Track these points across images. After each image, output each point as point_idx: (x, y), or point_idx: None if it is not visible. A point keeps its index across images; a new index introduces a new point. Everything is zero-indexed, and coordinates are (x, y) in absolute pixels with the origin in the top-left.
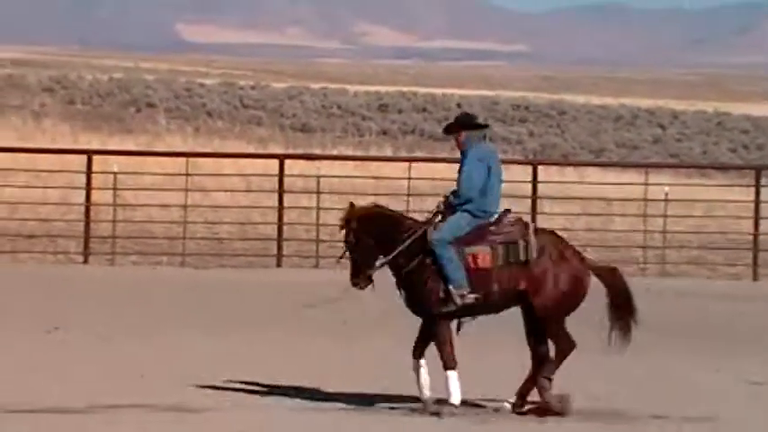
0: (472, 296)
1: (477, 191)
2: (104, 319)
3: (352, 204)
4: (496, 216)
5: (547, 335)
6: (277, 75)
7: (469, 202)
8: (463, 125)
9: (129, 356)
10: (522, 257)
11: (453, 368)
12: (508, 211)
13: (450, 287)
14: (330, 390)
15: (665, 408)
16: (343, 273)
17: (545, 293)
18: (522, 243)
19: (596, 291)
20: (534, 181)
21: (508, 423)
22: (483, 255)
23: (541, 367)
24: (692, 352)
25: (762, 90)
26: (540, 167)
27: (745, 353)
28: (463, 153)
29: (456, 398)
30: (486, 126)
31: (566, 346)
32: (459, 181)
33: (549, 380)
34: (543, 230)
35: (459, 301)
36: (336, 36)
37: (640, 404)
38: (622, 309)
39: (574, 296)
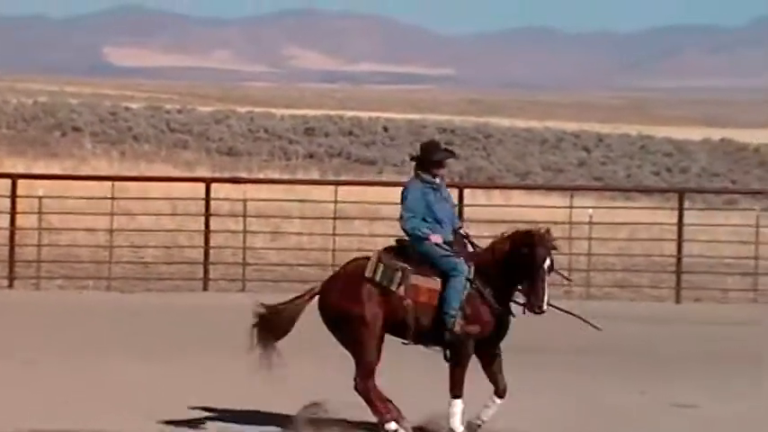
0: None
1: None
2: (29, 343)
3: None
4: None
5: None
6: (203, 98)
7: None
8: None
9: (53, 381)
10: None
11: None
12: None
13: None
14: (254, 412)
15: (591, 430)
16: (269, 297)
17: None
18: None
19: (532, 317)
20: (461, 204)
21: None
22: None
23: None
24: (617, 374)
25: (684, 114)
26: (466, 190)
27: (670, 375)
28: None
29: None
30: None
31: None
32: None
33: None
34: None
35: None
36: (263, 59)
37: (565, 426)
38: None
39: None
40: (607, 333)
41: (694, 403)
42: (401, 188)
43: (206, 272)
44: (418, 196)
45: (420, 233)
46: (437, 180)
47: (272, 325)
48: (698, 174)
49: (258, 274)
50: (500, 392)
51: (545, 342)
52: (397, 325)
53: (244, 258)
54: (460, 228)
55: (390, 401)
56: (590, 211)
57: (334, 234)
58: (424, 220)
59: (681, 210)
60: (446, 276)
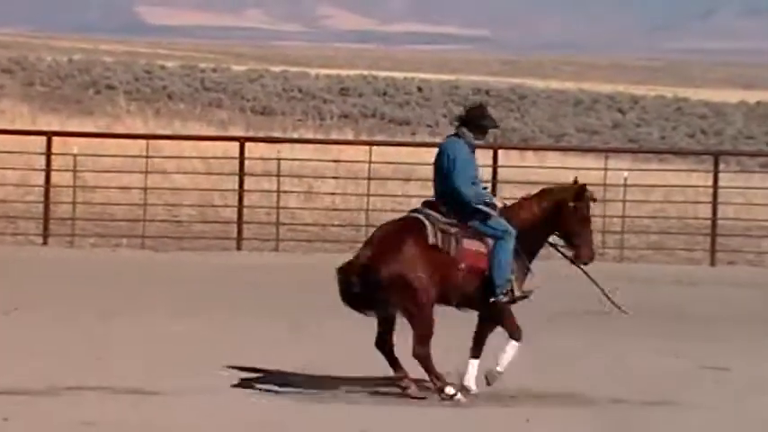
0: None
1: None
2: (64, 300)
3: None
4: None
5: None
6: (238, 57)
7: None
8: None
9: (88, 338)
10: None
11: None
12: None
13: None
14: (289, 373)
15: (625, 393)
16: (302, 257)
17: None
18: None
19: (564, 280)
20: (495, 165)
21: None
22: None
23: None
24: (652, 337)
25: (721, 76)
26: (500, 152)
27: (704, 338)
28: None
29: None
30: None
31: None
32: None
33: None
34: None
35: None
36: (297, 19)
37: (600, 389)
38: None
39: None
40: (641, 295)
41: (727, 366)
42: (439, 147)
43: (239, 231)
44: (468, 158)
45: (486, 199)
46: (474, 141)
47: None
48: (733, 136)
49: (291, 234)
50: (478, 354)
51: (578, 305)
52: (448, 290)
53: (277, 218)
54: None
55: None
56: (625, 173)
57: (367, 194)
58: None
59: (716, 172)
60: (496, 239)
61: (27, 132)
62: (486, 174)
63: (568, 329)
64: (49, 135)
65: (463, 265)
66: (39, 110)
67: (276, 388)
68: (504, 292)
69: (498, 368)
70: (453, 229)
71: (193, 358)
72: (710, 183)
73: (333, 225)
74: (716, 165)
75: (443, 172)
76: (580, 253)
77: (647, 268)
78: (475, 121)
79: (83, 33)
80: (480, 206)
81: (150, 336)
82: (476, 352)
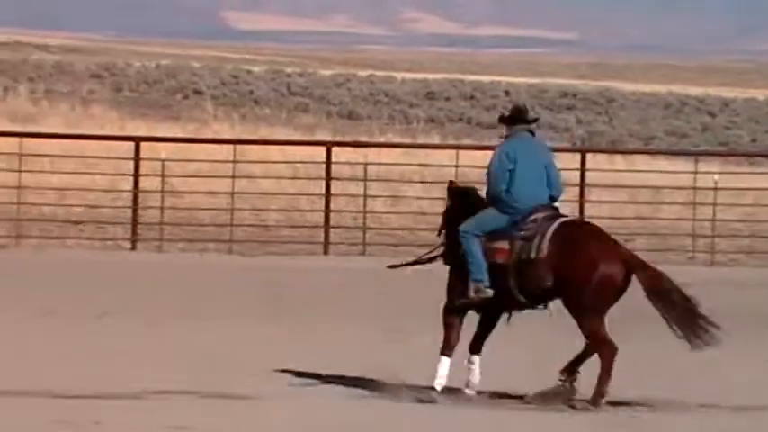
0: (490, 291)
1: (499, 185)
2: (152, 305)
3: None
4: (530, 212)
5: (582, 332)
6: (324, 62)
7: (496, 196)
8: (501, 119)
9: (177, 342)
10: (533, 254)
11: (448, 355)
12: (550, 206)
13: (471, 281)
14: (377, 377)
15: (716, 398)
16: (389, 261)
17: (565, 289)
18: (537, 239)
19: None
20: (582, 168)
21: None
22: (501, 249)
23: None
24: (743, 342)
25: None
26: (588, 155)
27: None
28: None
29: (440, 383)
30: (521, 121)
31: (603, 347)
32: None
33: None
34: (572, 223)
35: (473, 294)
36: (383, 23)
37: (690, 394)
38: (668, 307)
39: (596, 291)
40: (733, 300)
41: None
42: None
43: (326, 235)
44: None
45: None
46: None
47: None
48: None
49: (378, 239)
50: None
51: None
52: None
53: (364, 222)
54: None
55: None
56: (715, 176)
57: None
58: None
59: None
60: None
61: (116, 138)
62: (573, 177)
63: (660, 334)
64: (138, 140)
65: None
66: (127, 115)
67: (364, 392)
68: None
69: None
70: None
71: (281, 362)
72: None
73: (420, 229)
74: None
75: None
76: None
77: (738, 272)
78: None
79: (170, 39)
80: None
81: (238, 340)
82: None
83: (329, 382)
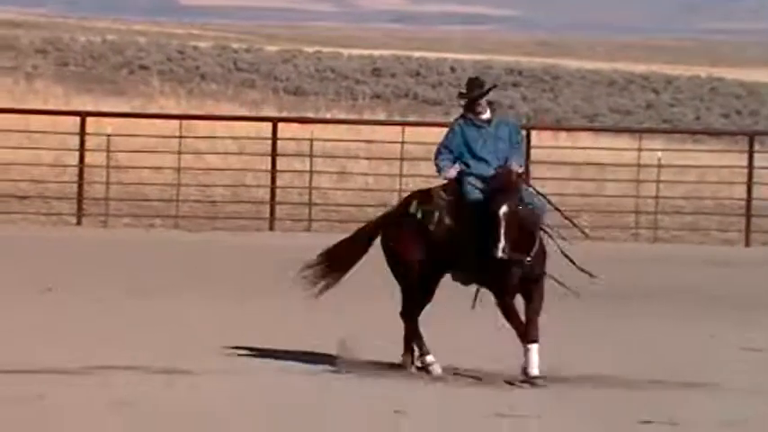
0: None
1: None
2: (98, 280)
3: None
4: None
5: None
6: (270, 38)
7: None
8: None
9: (121, 318)
10: None
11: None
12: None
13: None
14: (320, 353)
15: (661, 374)
16: (335, 237)
17: None
18: None
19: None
20: (528, 146)
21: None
22: None
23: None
24: (686, 318)
25: (755, 55)
26: (533, 132)
27: (740, 319)
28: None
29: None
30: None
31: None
32: None
33: None
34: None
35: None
36: None
37: (637, 370)
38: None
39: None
40: (676, 276)
41: (763, 347)
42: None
43: (272, 211)
44: (456, 132)
45: (438, 168)
46: (482, 117)
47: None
48: None
49: (324, 215)
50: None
51: (612, 287)
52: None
53: (310, 198)
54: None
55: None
56: (659, 153)
57: (400, 175)
58: (462, 158)
59: (750, 153)
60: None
61: (61, 113)
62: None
63: (601, 311)
64: (83, 115)
65: None
66: (73, 90)
67: (307, 368)
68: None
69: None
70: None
71: (226, 338)
72: (745, 163)
73: (366, 205)
74: (751, 145)
75: None
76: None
77: (681, 249)
78: (467, 93)
79: (116, 14)
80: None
81: (183, 316)
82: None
83: (273, 358)
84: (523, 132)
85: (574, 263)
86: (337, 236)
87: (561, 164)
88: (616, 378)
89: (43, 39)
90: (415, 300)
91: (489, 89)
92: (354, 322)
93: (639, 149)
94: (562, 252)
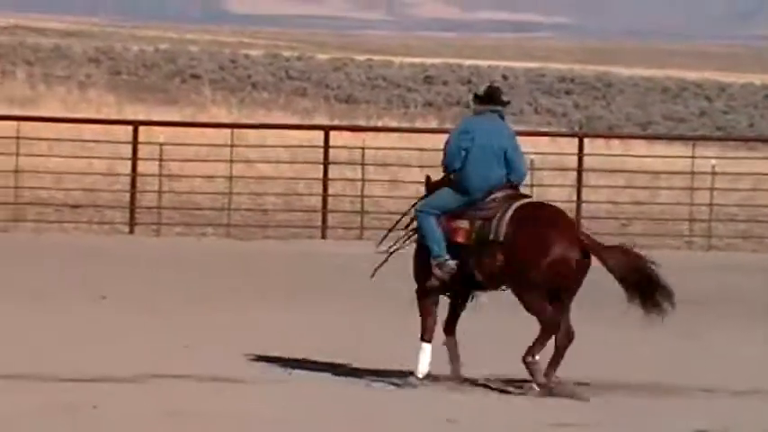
0: (451, 263)
1: (453, 163)
2: (150, 289)
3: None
4: (486, 192)
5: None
6: (321, 46)
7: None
8: (475, 97)
9: (174, 327)
10: (491, 236)
11: (428, 341)
12: (509, 186)
13: (431, 258)
14: (372, 367)
15: (714, 382)
16: (386, 245)
17: (512, 271)
18: (495, 221)
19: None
20: (580, 153)
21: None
22: (461, 229)
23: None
24: (740, 326)
25: None
26: (585, 140)
27: None
28: None
29: (421, 370)
30: (493, 101)
31: (549, 326)
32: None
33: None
34: (531, 205)
35: (437, 272)
36: (380, 7)
37: (688, 378)
38: (635, 289)
39: (548, 274)
40: (730, 284)
41: None
42: (517, 137)
43: (324, 220)
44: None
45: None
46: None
47: None
48: None
49: (376, 223)
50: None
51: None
52: None
53: (362, 207)
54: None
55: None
56: (712, 161)
57: None
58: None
59: None
60: None
61: (114, 122)
62: (571, 162)
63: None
64: (136, 124)
65: None
66: (125, 99)
67: (359, 379)
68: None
69: (418, 372)
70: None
71: (279, 347)
72: None
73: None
74: None
75: None
76: None
77: (735, 257)
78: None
79: (168, 22)
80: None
81: (235, 324)
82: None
83: (323, 367)
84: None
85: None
86: (389, 244)
87: (614, 171)
88: (670, 386)
89: (96, 48)
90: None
91: (507, 102)
92: (409, 333)
93: (693, 157)
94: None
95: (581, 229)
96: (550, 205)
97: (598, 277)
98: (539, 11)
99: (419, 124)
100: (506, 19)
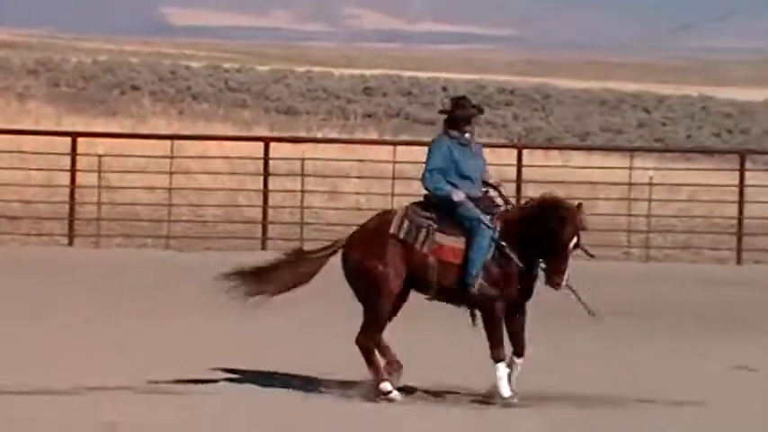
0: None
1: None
2: (89, 301)
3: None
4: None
5: None
6: (262, 58)
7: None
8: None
9: (113, 339)
10: None
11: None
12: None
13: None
14: (314, 375)
15: (652, 392)
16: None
17: None
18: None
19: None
20: (519, 164)
21: (491, 411)
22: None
23: None
24: (677, 337)
25: (746, 74)
26: (524, 151)
27: (731, 338)
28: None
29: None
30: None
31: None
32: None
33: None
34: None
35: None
36: (322, 19)
37: (626, 389)
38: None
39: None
40: (667, 295)
41: (755, 366)
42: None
43: (264, 231)
44: (445, 152)
45: (441, 191)
46: (466, 136)
47: (289, 275)
48: (759, 135)
49: (316, 234)
50: (519, 351)
51: (603, 305)
52: (419, 282)
53: (302, 218)
54: (498, 185)
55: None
56: (650, 172)
57: (392, 194)
58: (447, 177)
59: (742, 171)
60: (471, 235)
61: (52, 133)
62: (510, 173)
63: (591, 329)
64: (74, 136)
65: (432, 259)
66: (64, 111)
67: (297, 389)
68: (472, 284)
69: (502, 393)
70: (426, 223)
71: (217, 358)
72: (737, 181)
73: (357, 225)
74: (742, 163)
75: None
76: (548, 274)
77: (673, 267)
78: (457, 112)
79: (108, 34)
80: (449, 196)
81: (176, 336)
82: (517, 351)
83: (264, 378)
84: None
85: (579, 298)
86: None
87: (553, 183)
88: (604, 398)
89: (35, 59)
90: (382, 322)
91: (481, 110)
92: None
93: (631, 168)
94: (569, 287)
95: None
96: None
97: (537, 288)
98: (479, 23)
99: (359, 135)
100: (447, 30)
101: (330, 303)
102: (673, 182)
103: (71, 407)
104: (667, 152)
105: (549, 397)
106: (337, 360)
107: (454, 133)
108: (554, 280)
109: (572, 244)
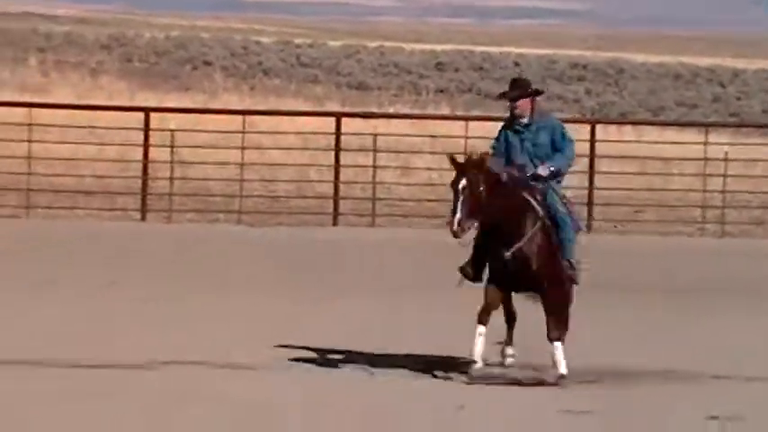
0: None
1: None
2: (162, 275)
3: None
4: None
5: None
6: (331, 33)
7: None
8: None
9: (185, 313)
10: None
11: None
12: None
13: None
14: (384, 353)
15: (726, 368)
16: (398, 231)
17: None
18: None
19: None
20: (592, 140)
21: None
22: None
23: None
24: (752, 313)
25: None
26: (598, 126)
27: None
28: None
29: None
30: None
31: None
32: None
33: None
34: None
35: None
36: None
37: (702, 365)
38: None
39: None
40: (742, 271)
41: None
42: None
43: (336, 206)
44: (501, 139)
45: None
46: (522, 120)
47: None
48: None
49: (388, 209)
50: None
51: (679, 282)
52: None
53: (373, 193)
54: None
55: None
56: (725, 147)
57: None
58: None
59: None
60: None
61: (125, 108)
62: (583, 148)
63: (668, 304)
64: (147, 111)
65: None
66: (137, 86)
67: (370, 368)
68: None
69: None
70: None
71: (289, 334)
72: None
73: (429, 200)
74: None
75: None
76: None
77: (748, 243)
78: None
79: (180, 10)
80: None
81: (246, 311)
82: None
83: (335, 356)
84: (566, 128)
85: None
86: (400, 230)
87: (627, 158)
88: (682, 373)
89: (108, 35)
90: None
91: (525, 94)
92: (417, 319)
93: (706, 143)
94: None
95: None
96: None
97: (612, 263)
98: None
99: (430, 111)
100: (519, 5)
101: (400, 284)
102: (748, 157)
103: (144, 380)
104: (742, 127)
105: (623, 373)
106: (406, 339)
107: (508, 116)
108: None
109: (460, 186)
